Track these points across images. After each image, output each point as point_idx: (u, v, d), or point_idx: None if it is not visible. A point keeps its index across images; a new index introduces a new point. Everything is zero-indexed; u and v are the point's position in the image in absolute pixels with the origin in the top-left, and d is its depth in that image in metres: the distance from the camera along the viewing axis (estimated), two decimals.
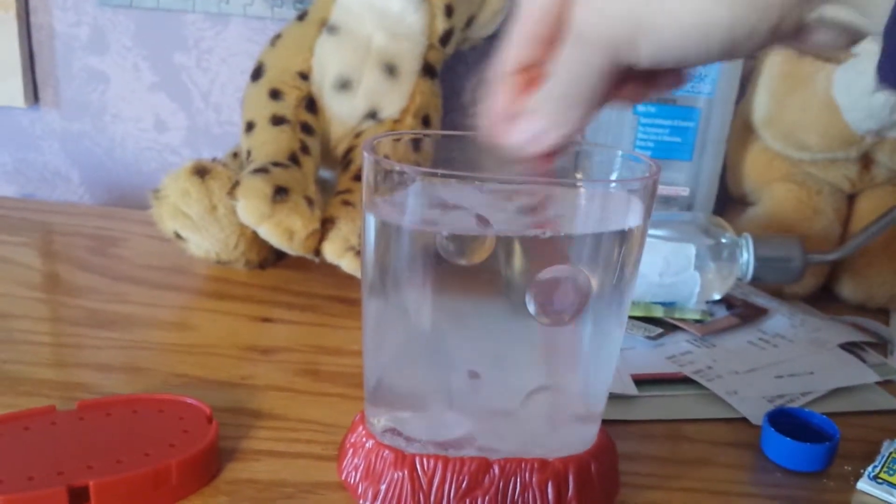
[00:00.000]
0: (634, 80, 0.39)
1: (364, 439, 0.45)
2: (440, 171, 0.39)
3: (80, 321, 0.63)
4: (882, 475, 0.48)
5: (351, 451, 0.45)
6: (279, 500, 0.44)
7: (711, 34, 0.33)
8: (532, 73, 0.39)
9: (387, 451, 0.44)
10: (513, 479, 0.43)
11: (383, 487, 0.43)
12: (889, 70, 0.31)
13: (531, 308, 0.40)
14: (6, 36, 0.91)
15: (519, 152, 0.39)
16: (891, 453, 0.50)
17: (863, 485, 0.48)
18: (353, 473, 0.44)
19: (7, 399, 0.51)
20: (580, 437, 0.45)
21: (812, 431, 0.51)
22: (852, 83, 0.68)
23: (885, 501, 0.47)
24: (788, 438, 0.49)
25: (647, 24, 0.34)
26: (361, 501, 0.44)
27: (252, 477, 0.45)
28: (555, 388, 0.43)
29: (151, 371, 0.56)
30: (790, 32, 0.34)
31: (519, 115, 0.39)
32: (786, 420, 0.51)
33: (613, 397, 0.52)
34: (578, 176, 0.46)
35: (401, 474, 0.43)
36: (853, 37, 0.35)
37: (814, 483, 0.48)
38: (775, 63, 0.76)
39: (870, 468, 0.49)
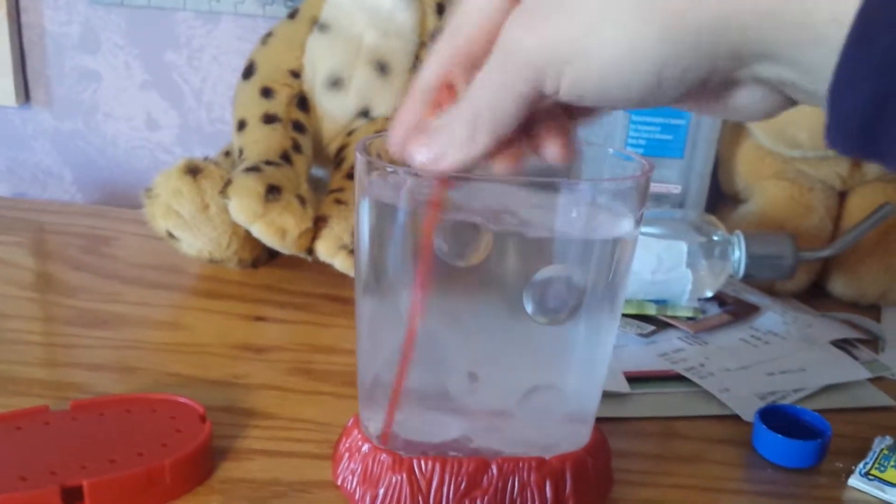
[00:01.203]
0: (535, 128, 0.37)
1: (360, 443, 0.45)
2: (433, 172, 0.38)
3: (72, 321, 0.63)
4: (873, 471, 0.48)
5: (346, 455, 0.45)
6: (273, 499, 0.44)
7: (638, 70, 0.31)
8: (451, 93, 0.37)
9: (384, 455, 0.44)
10: (511, 478, 0.43)
11: (381, 491, 0.43)
12: (836, 135, 0.29)
13: (528, 308, 0.40)
14: None
15: (420, 170, 0.37)
16: (882, 449, 0.50)
17: (854, 481, 0.48)
18: (350, 478, 0.44)
19: (0, 399, 0.51)
20: (576, 435, 0.45)
21: (803, 428, 0.51)
22: None
23: (877, 498, 0.47)
24: (780, 435, 0.49)
25: (580, 50, 0.32)
26: None
27: (246, 476, 0.46)
28: (551, 387, 0.43)
29: (144, 370, 0.56)
30: (718, 87, 0.33)
31: (425, 132, 0.37)
32: (777, 417, 0.51)
33: (606, 395, 0.52)
34: (571, 176, 0.46)
35: (399, 477, 0.43)
36: (783, 102, 0.33)
37: (805, 479, 0.49)
38: None
39: (861, 465, 0.49)
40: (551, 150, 0.38)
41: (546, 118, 0.37)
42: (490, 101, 0.34)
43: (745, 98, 0.34)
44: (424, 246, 0.39)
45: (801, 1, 0.28)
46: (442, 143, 0.36)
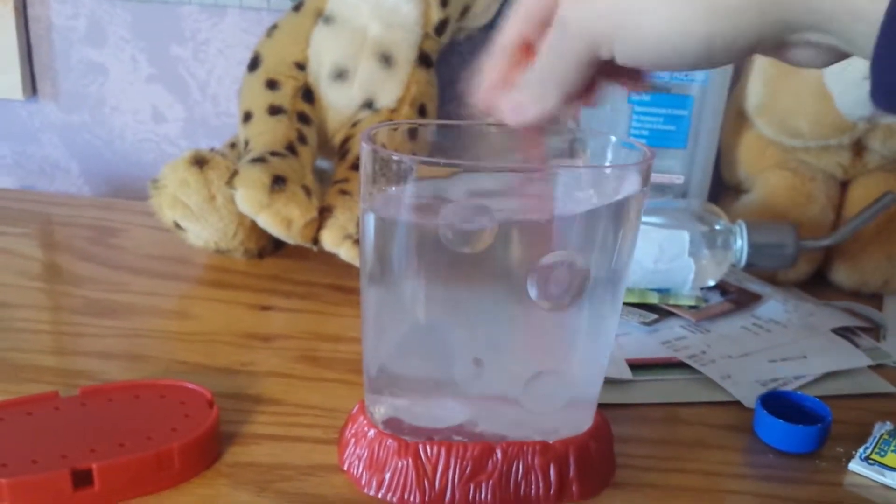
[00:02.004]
0: (618, 73, 0.40)
1: (366, 429, 0.45)
2: (438, 160, 0.39)
3: (81, 310, 0.63)
4: (873, 456, 0.49)
5: (353, 440, 0.46)
6: (279, 483, 0.44)
7: (688, 44, 0.34)
8: (530, 50, 0.40)
9: (390, 440, 0.44)
10: (515, 462, 0.44)
11: (388, 476, 0.44)
12: (882, 98, 0.31)
13: (532, 293, 0.41)
14: (4, 29, 0.91)
15: (504, 122, 0.41)
16: (882, 435, 0.51)
17: (854, 466, 0.49)
18: (357, 463, 0.45)
19: (10, 386, 0.52)
20: (579, 420, 0.46)
21: (804, 414, 0.51)
22: (843, 71, 0.69)
23: (877, 481, 0.48)
24: (781, 420, 0.50)
25: (628, 24, 0.35)
26: (366, 490, 0.44)
27: (253, 460, 0.46)
28: (555, 372, 0.44)
29: (153, 358, 0.57)
30: (771, 48, 0.34)
31: (509, 88, 0.41)
32: (778, 403, 0.52)
33: (609, 382, 0.53)
34: (575, 162, 0.47)
35: (405, 462, 0.44)
36: (837, 57, 0.35)
37: (806, 464, 0.49)
38: None
39: (861, 449, 0.49)
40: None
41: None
42: (554, 65, 0.38)
43: (800, 55, 0.35)
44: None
45: None
46: (521, 97, 0.40)
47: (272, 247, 0.75)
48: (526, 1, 0.40)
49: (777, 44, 0.34)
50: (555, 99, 0.39)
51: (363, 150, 0.41)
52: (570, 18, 0.37)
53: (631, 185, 0.41)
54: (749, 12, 0.32)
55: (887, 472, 0.47)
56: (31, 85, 0.95)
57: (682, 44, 0.34)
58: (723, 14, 0.32)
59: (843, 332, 0.64)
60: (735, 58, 0.34)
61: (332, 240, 0.68)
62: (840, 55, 0.34)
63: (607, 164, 0.46)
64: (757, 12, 0.32)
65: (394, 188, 0.41)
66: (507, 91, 0.41)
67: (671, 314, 0.65)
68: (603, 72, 0.39)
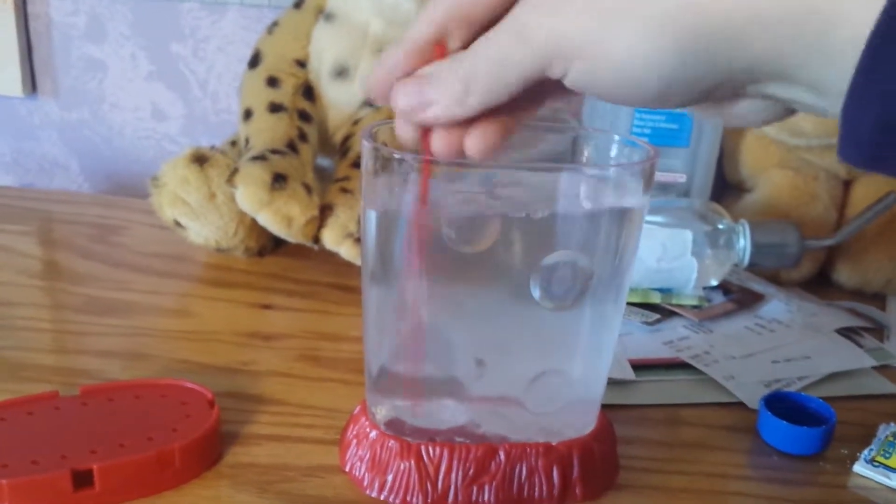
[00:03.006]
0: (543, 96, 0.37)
1: (367, 430, 0.45)
2: (440, 160, 0.39)
3: (81, 309, 0.63)
4: (878, 458, 0.49)
5: (354, 441, 0.46)
6: (281, 484, 0.44)
7: (649, 79, 0.31)
8: (442, 50, 0.36)
9: (392, 441, 0.44)
10: (519, 464, 0.44)
11: (390, 478, 0.44)
12: (849, 150, 0.29)
13: (535, 293, 0.40)
14: (3, 25, 0.91)
15: (401, 115, 0.37)
16: (887, 436, 0.50)
17: (859, 468, 0.48)
18: (359, 464, 0.45)
19: (10, 385, 0.51)
20: (582, 421, 0.46)
21: (808, 415, 0.51)
22: None
23: (881, 484, 0.47)
24: (785, 422, 0.49)
25: (594, 48, 0.32)
26: (368, 492, 0.44)
27: (254, 461, 0.46)
28: (558, 373, 0.44)
29: (153, 357, 0.56)
30: (722, 98, 0.33)
31: (414, 78, 0.36)
32: (782, 404, 0.51)
33: (612, 382, 0.53)
34: (577, 160, 0.47)
35: (407, 464, 0.43)
36: (783, 113, 0.34)
37: (810, 466, 0.49)
38: None
39: (866, 451, 0.49)
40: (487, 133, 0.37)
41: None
42: (491, 66, 0.34)
43: (746, 108, 0.34)
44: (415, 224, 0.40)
45: (818, 26, 0.28)
46: (430, 92, 0.35)
47: (273, 245, 0.75)
48: None
49: (732, 93, 0.33)
50: (474, 104, 0.35)
51: (364, 147, 0.41)
52: (532, 26, 0.33)
53: (634, 184, 0.41)
54: (718, 56, 0.30)
55: (892, 475, 0.47)
56: (31, 82, 0.95)
57: (644, 78, 0.31)
58: (691, 53, 0.30)
59: (847, 333, 0.64)
60: (686, 102, 0.33)
61: (332, 238, 0.68)
62: (787, 112, 0.34)
63: (611, 163, 0.46)
64: (726, 57, 0.30)
65: (395, 186, 0.40)
66: (411, 80, 0.36)
67: (674, 314, 0.65)
68: (530, 92, 0.35)
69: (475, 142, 0.36)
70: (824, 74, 0.29)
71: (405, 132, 0.38)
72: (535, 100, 0.38)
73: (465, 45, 0.36)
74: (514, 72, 0.34)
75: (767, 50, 0.29)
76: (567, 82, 0.34)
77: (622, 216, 0.41)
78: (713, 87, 0.32)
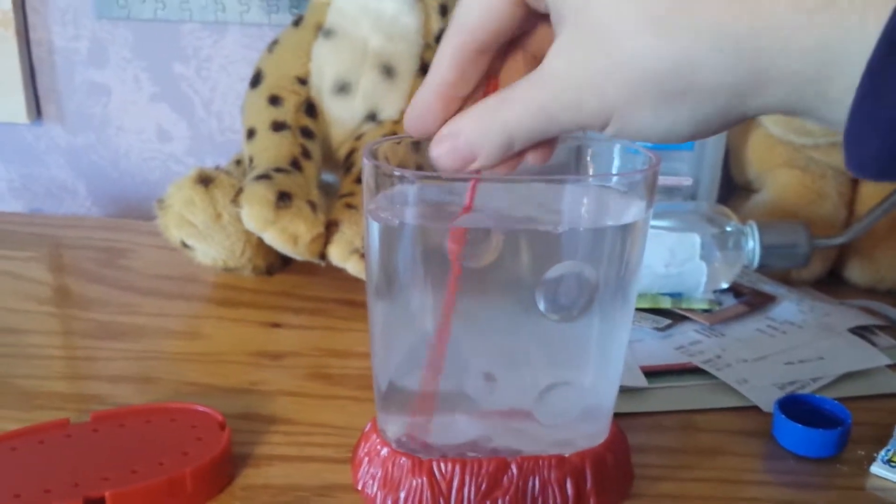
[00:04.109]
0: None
1: (379, 447, 0.45)
2: (440, 174, 0.39)
3: (90, 333, 0.63)
4: (895, 458, 0.48)
5: (366, 459, 0.45)
6: None
7: (674, 138, 0.34)
8: (494, 83, 0.39)
9: (403, 458, 0.44)
10: (531, 477, 0.43)
11: (402, 495, 0.43)
12: (856, 168, 0.30)
13: (541, 305, 0.40)
14: (7, 53, 0.92)
15: (429, 173, 0.39)
16: None
17: (876, 469, 0.48)
18: (371, 483, 0.45)
19: (21, 413, 0.51)
20: (594, 431, 0.45)
21: (824, 417, 0.51)
22: None
23: None
24: (800, 425, 0.49)
25: (622, 120, 0.34)
26: None
27: (266, 482, 0.46)
28: (568, 384, 0.43)
29: (163, 380, 0.56)
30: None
31: (451, 137, 0.38)
32: (797, 406, 0.51)
33: (623, 390, 0.52)
34: (578, 171, 0.46)
35: (419, 481, 0.43)
36: None
37: (827, 469, 0.48)
38: None
39: (882, 452, 0.49)
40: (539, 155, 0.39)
41: None
42: (536, 124, 0.35)
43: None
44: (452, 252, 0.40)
45: (818, 84, 0.30)
46: (474, 150, 0.37)
47: (280, 263, 0.75)
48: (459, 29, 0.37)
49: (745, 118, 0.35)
50: (517, 151, 0.37)
51: (364, 166, 0.41)
52: (565, 90, 0.34)
53: (637, 192, 0.41)
54: (730, 116, 0.33)
55: None
56: (36, 108, 0.96)
57: (668, 137, 0.34)
58: (709, 114, 0.33)
59: (860, 332, 0.63)
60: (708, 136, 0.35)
61: (339, 254, 0.68)
62: None
63: (613, 171, 0.46)
64: (738, 114, 0.32)
65: (397, 203, 0.40)
66: (449, 139, 0.37)
67: (684, 318, 0.65)
68: None
69: (533, 161, 0.39)
70: (829, 114, 0.31)
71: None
72: None
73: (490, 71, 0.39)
74: (557, 128, 0.35)
75: (770, 102, 0.31)
76: (603, 135, 0.36)
77: (626, 224, 0.41)
78: (729, 124, 0.34)
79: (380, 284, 0.42)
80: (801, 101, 0.31)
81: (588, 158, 0.47)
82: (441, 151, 0.38)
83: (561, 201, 0.42)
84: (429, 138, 0.39)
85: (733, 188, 0.84)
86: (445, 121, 0.38)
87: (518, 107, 0.35)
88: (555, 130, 0.36)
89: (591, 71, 0.33)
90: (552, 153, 0.39)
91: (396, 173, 0.39)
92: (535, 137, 0.36)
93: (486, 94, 0.38)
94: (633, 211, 0.41)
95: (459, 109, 0.39)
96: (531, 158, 0.38)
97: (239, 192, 0.67)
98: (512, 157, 0.37)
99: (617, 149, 0.46)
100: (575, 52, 0.34)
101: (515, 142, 0.36)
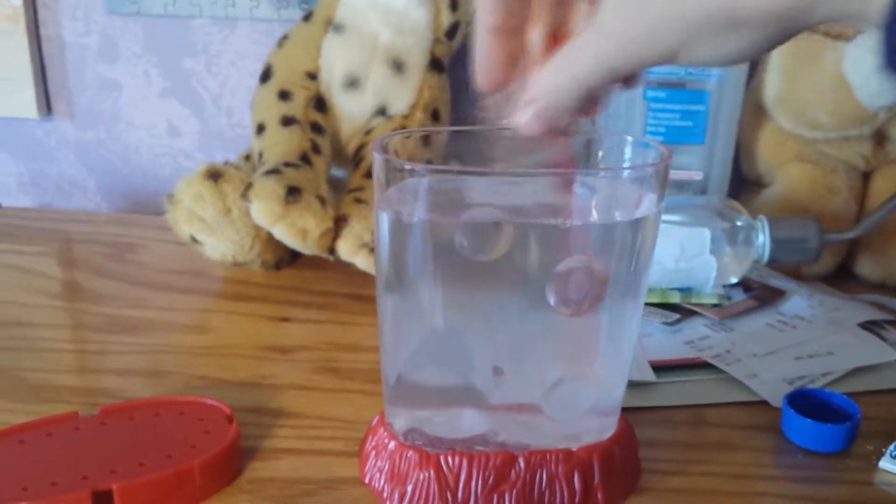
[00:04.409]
0: None
1: (386, 441, 0.45)
2: (451, 168, 0.39)
3: (100, 327, 0.63)
4: None
5: (373, 453, 0.45)
6: (301, 498, 0.44)
7: (734, 62, 0.36)
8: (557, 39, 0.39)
9: (411, 452, 0.44)
10: (539, 471, 0.43)
11: (410, 488, 0.43)
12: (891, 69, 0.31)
13: (551, 300, 0.40)
14: (17, 48, 0.92)
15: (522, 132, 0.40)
16: None
17: (885, 463, 0.48)
18: (378, 476, 0.45)
19: (30, 406, 0.52)
20: (602, 425, 0.45)
21: (833, 412, 0.50)
22: (863, 60, 0.68)
23: None
24: (809, 419, 0.49)
25: (681, 57, 0.35)
26: None
27: (274, 475, 0.46)
28: (576, 378, 0.43)
29: (172, 374, 0.57)
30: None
31: (533, 104, 0.39)
32: (806, 401, 0.51)
33: (632, 384, 0.52)
34: (590, 164, 0.46)
35: (427, 474, 0.43)
36: None
37: (836, 463, 0.48)
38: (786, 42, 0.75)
39: (892, 447, 0.48)
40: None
41: None
42: (598, 74, 0.36)
43: None
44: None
45: None
46: (553, 111, 0.38)
47: (289, 258, 0.75)
48: None
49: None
50: (581, 103, 0.38)
51: (375, 159, 0.41)
52: (626, 41, 0.35)
53: (648, 186, 0.41)
54: (787, 34, 0.34)
55: None
56: (46, 104, 0.96)
57: (728, 63, 0.35)
58: (762, 44, 0.34)
59: (870, 327, 0.63)
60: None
61: (348, 249, 0.68)
62: None
63: (624, 165, 0.45)
64: (794, 32, 0.33)
65: (407, 197, 0.40)
66: (530, 106, 0.39)
67: (694, 313, 0.65)
68: None
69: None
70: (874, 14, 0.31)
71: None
72: None
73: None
74: (624, 73, 0.37)
75: (829, 14, 0.32)
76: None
77: (637, 218, 0.41)
78: (787, 40, 0.35)
79: (389, 278, 0.42)
80: (850, 9, 0.31)
81: (599, 153, 0.47)
82: (526, 120, 0.39)
83: (572, 195, 0.42)
84: (505, 91, 0.40)
85: (744, 183, 0.83)
86: (512, 65, 0.40)
87: (585, 60, 0.37)
88: (621, 74, 0.37)
89: (646, 20, 0.34)
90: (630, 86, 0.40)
91: (407, 167, 0.39)
92: (609, 83, 0.37)
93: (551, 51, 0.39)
94: (644, 205, 0.41)
95: (520, 46, 0.40)
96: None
97: (248, 186, 0.67)
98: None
99: (628, 143, 0.45)
100: (628, 4, 0.35)
101: (591, 92, 0.37)
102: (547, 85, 0.38)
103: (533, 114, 0.39)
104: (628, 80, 0.39)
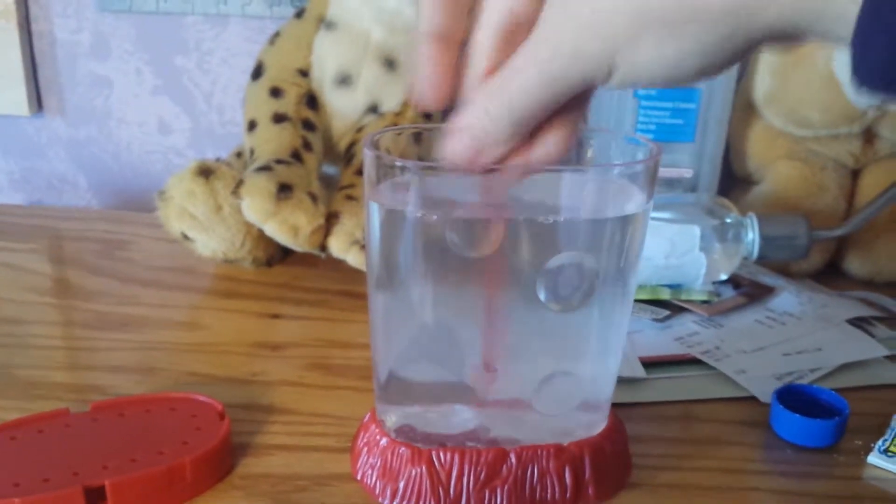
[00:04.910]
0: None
1: (378, 437, 0.45)
2: (442, 165, 0.39)
3: (91, 324, 0.63)
4: (892, 448, 0.48)
5: (365, 449, 0.46)
6: (293, 494, 0.44)
7: (682, 75, 0.33)
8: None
9: (402, 448, 0.44)
10: (530, 466, 0.43)
11: (402, 484, 0.43)
12: (868, 75, 0.29)
13: (541, 295, 0.40)
14: (8, 45, 0.92)
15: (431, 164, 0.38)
16: None
17: (873, 458, 0.48)
18: (370, 472, 0.45)
19: (21, 403, 0.52)
20: (593, 421, 0.45)
21: (821, 407, 0.51)
22: None
23: None
24: (798, 415, 0.49)
25: (625, 62, 0.33)
26: (381, 500, 0.44)
27: (266, 471, 0.46)
28: (567, 374, 0.43)
29: (164, 371, 0.57)
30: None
31: (460, 132, 0.36)
32: (795, 397, 0.51)
33: (622, 380, 0.52)
34: (580, 161, 0.47)
35: (418, 470, 0.43)
36: None
37: (824, 458, 0.49)
38: None
39: (880, 442, 0.49)
40: (557, 140, 0.37)
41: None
42: (533, 87, 0.34)
43: None
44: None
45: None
46: (481, 139, 0.36)
47: (280, 255, 0.75)
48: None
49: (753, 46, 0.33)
50: (525, 133, 0.36)
51: (366, 156, 0.41)
52: (566, 46, 0.33)
53: (638, 182, 0.41)
54: (736, 43, 0.31)
55: None
56: (37, 100, 0.96)
57: (676, 75, 0.33)
58: (710, 51, 0.32)
59: (859, 323, 0.64)
60: (718, 72, 0.34)
61: (339, 246, 0.68)
62: None
63: (614, 162, 0.46)
64: (744, 41, 0.31)
65: (398, 194, 0.40)
66: (457, 134, 0.36)
67: (683, 310, 0.65)
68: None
69: (550, 147, 0.37)
70: (832, 25, 0.29)
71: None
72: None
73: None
74: (562, 87, 0.34)
75: (782, 17, 0.30)
76: (610, 86, 0.34)
77: (626, 215, 0.41)
78: (735, 55, 0.32)
79: (380, 275, 0.43)
80: (804, 14, 0.30)
81: (589, 150, 0.47)
82: (454, 148, 0.37)
83: (562, 192, 0.42)
84: (448, 108, 0.37)
85: (734, 180, 0.84)
86: (453, 76, 0.37)
87: (519, 76, 0.34)
88: (560, 92, 0.34)
89: (589, 12, 0.32)
90: (572, 136, 0.37)
91: (398, 163, 0.39)
92: (542, 106, 0.35)
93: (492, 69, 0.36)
94: (633, 201, 0.41)
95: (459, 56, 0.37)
96: (552, 144, 0.37)
97: (240, 183, 0.67)
98: (527, 140, 0.36)
99: (618, 141, 0.46)
100: (559, 12, 0.33)
101: (523, 116, 0.35)
102: (478, 109, 0.36)
103: (460, 141, 0.36)
104: (559, 127, 0.36)
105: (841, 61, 0.70)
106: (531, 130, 0.36)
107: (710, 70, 0.33)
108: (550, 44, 0.33)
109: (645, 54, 0.32)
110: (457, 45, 0.37)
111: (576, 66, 0.33)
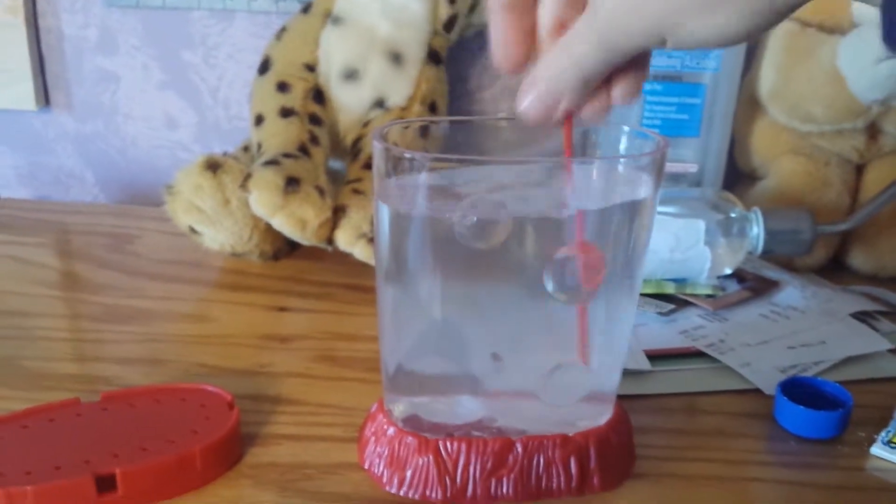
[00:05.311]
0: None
1: (385, 427, 0.46)
2: (450, 157, 0.39)
3: (100, 317, 0.64)
4: (895, 440, 0.48)
5: (373, 439, 0.46)
6: (301, 482, 0.45)
7: (730, 42, 0.35)
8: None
9: (410, 438, 0.44)
10: (536, 456, 0.44)
11: (409, 473, 0.44)
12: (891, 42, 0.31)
13: (549, 287, 0.41)
14: (16, 40, 0.92)
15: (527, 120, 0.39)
16: None
17: (876, 450, 0.48)
18: (377, 461, 0.45)
19: (32, 394, 0.52)
20: (598, 412, 0.46)
21: (825, 400, 0.51)
22: (857, 54, 0.69)
23: None
24: (802, 407, 0.49)
25: (676, 30, 0.34)
26: (388, 488, 0.44)
27: (274, 461, 0.46)
28: (573, 364, 0.44)
29: (172, 362, 0.57)
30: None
31: (531, 86, 0.38)
32: (799, 389, 0.51)
33: (627, 372, 0.53)
34: (587, 153, 0.47)
35: (425, 459, 0.44)
36: None
37: (828, 450, 0.49)
38: (780, 36, 0.76)
39: (883, 433, 0.49)
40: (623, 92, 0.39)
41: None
42: (595, 53, 0.36)
43: None
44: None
45: None
46: (553, 95, 0.38)
47: (287, 248, 0.76)
48: None
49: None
50: (597, 79, 0.37)
51: (375, 148, 0.41)
52: (623, 20, 0.35)
53: (645, 175, 0.41)
54: (776, 4, 0.33)
55: None
56: (44, 95, 0.96)
57: (724, 42, 0.35)
58: (752, 15, 0.33)
59: (862, 317, 0.64)
60: (775, 25, 0.36)
61: (346, 239, 0.68)
62: None
63: (621, 154, 0.46)
64: (783, 3, 0.33)
65: (407, 187, 0.41)
66: (528, 88, 0.39)
67: (688, 304, 0.65)
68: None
69: (618, 98, 0.39)
70: None
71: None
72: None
73: None
74: (621, 55, 0.36)
75: None
76: (665, 48, 0.36)
77: (633, 208, 0.42)
78: (780, 15, 0.34)
79: (389, 268, 0.43)
80: None
81: (596, 142, 0.47)
82: (526, 104, 0.39)
83: (569, 183, 0.42)
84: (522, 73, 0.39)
85: (738, 175, 0.84)
86: (529, 44, 0.39)
87: (582, 43, 0.37)
88: (620, 58, 0.37)
89: None
90: (638, 87, 0.39)
91: (407, 156, 0.40)
92: (606, 68, 0.37)
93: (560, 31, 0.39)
94: (640, 193, 0.41)
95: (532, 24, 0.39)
96: (619, 95, 0.39)
97: (247, 177, 0.67)
98: (595, 94, 0.38)
99: (625, 133, 0.46)
100: None
101: (590, 76, 0.37)
102: (546, 68, 0.38)
103: (533, 98, 0.38)
104: (635, 66, 0.38)
105: (845, 57, 0.70)
106: (598, 84, 0.38)
107: (756, 31, 0.35)
108: (606, 17, 0.36)
109: (693, 25, 0.34)
110: (528, 11, 0.39)
111: (630, 39, 0.36)
